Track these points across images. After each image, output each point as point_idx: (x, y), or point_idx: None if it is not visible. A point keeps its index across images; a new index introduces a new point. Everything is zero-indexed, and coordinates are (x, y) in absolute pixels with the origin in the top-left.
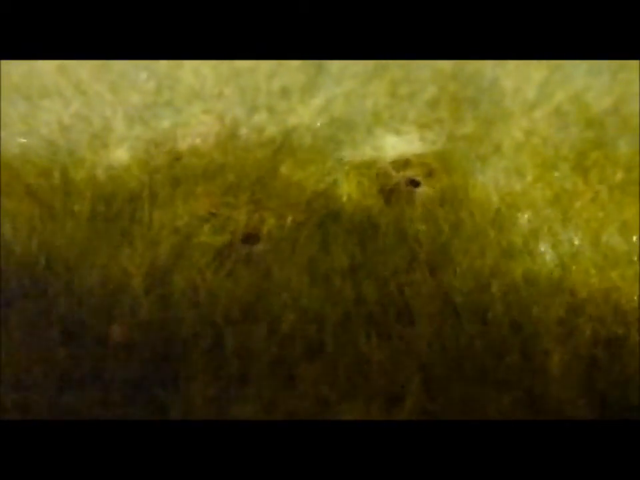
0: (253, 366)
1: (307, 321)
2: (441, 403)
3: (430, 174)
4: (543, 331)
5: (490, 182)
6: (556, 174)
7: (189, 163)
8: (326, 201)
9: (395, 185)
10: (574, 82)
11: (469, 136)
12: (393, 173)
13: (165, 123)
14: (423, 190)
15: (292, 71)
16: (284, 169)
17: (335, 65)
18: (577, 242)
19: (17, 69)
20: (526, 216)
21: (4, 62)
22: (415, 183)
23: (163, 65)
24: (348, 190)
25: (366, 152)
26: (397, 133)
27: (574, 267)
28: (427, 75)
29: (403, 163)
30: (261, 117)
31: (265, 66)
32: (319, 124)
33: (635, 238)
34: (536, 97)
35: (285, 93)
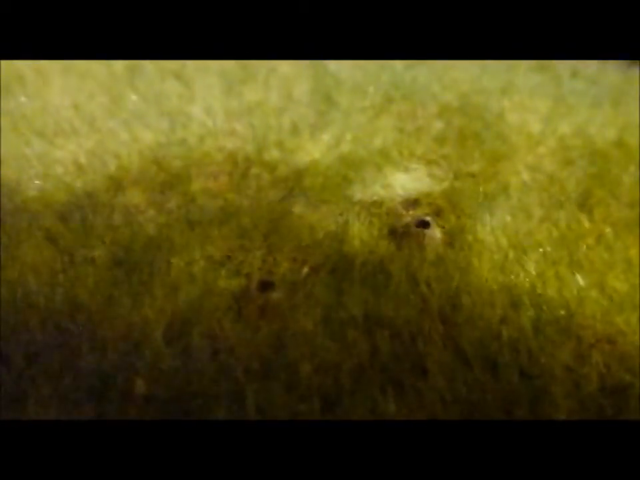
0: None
1: (323, 374)
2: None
3: (438, 213)
4: (550, 379)
5: (497, 222)
6: (562, 213)
7: (204, 204)
8: (339, 244)
9: (404, 227)
10: (577, 114)
11: (476, 174)
12: (403, 212)
13: (178, 163)
14: (432, 232)
15: (301, 106)
16: (297, 210)
17: (343, 99)
18: (582, 284)
19: (31, 106)
20: (533, 259)
21: (17, 99)
22: (424, 224)
23: (174, 100)
24: (359, 231)
25: (375, 191)
26: (406, 170)
27: (580, 312)
28: (433, 109)
29: (412, 202)
30: (271, 155)
31: (274, 100)
32: (328, 162)
33: (638, 279)
34: (540, 131)
35: (294, 129)
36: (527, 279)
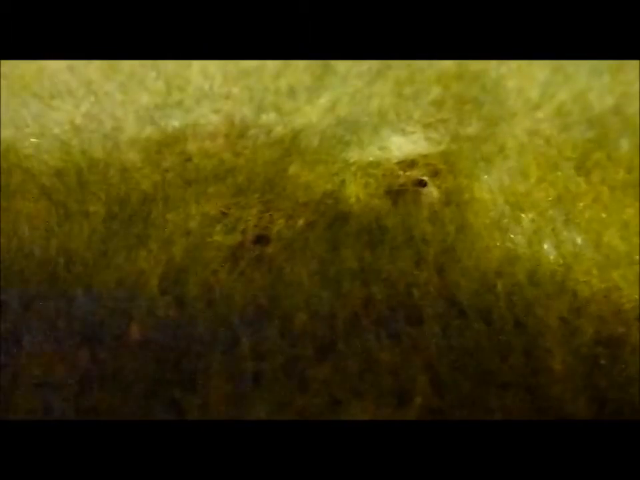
0: (267, 366)
1: (318, 322)
2: (448, 401)
3: (435, 174)
4: (545, 330)
5: (494, 183)
6: (559, 174)
7: (200, 163)
8: (335, 201)
9: (401, 186)
10: (576, 81)
11: (473, 136)
12: (400, 173)
13: (175, 124)
14: (429, 190)
15: (298, 70)
16: (293, 170)
17: (340, 65)
18: (579, 242)
19: (28, 69)
20: (530, 216)
21: (14, 61)
22: (421, 183)
23: (170, 65)
24: (356, 191)
25: (372, 152)
26: (403, 133)
27: (576, 267)
28: (432, 74)
29: (409, 163)
30: (269, 117)
31: (271, 65)
32: (325, 124)
33: (635, 239)
34: (539, 96)
35: (292, 92)
36: (523, 235)
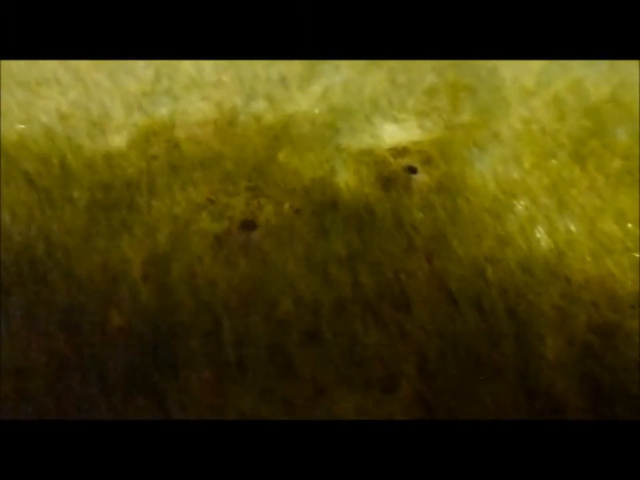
0: (250, 352)
1: (303, 308)
2: (436, 388)
3: (427, 161)
4: (537, 317)
5: (487, 170)
6: (553, 162)
7: (187, 150)
8: (323, 188)
9: (392, 173)
10: (572, 70)
11: (467, 124)
12: (391, 161)
13: (163, 111)
14: (420, 177)
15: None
16: (282, 157)
17: None
18: (572, 229)
19: None
20: (522, 203)
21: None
22: (412, 170)
23: None
24: (346, 178)
25: (364, 140)
26: (395, 120)
27: (569, 254)
28: (426, 63)
29: (400, 151)
30: (259, 105)
31: None
32: (317, 112)
33: (629, 225)
34: (534, 85)
35: (283, 81)
36: (516, 222)
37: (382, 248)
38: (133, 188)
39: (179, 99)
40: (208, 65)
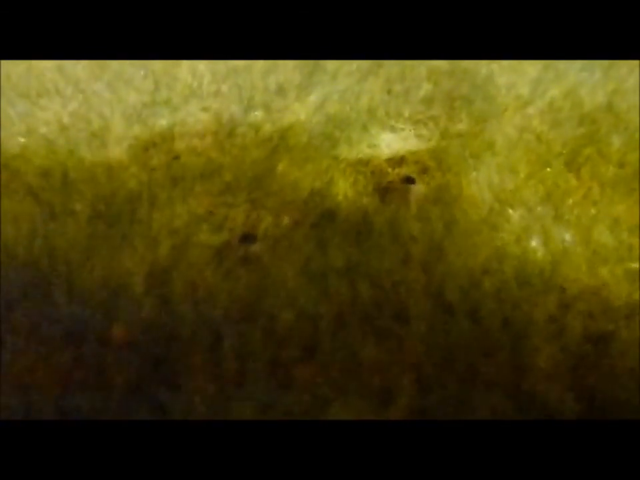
0: (251, 365)
1: (303, 321)
2: (433, 400)
3: (424, 171)
4: (533, 327)
5: (483, 179)
6: (548, 171)
7: (187, 162)
8: (322, 199)
9: (390, 183)
10: (567, 78)
11: (463, 133)
12: (389, 171)
13: (163, 122)
14: (417, 187)
15: (288, 68)
16: (281, 168)
17: (330, 63)
18: (568, 238)
19: (15, 68)
20: (518, 213)
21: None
22: (410, 180)
23: (159, 63)
24: (344, 188)
25: (361, 150)
26: (392, 130)
27: (565, 264)
28: (422, 72)
29: (397, 161)
30: (257, 115)
31: (261, 63)
32: (314, 122)
33: (624, 235)
34: (530, 93)
35: (281, 90)
36: (512, 232)
37: (380, 260)
38: (134, 200)
39: (178, 110)
40: (206, 75)
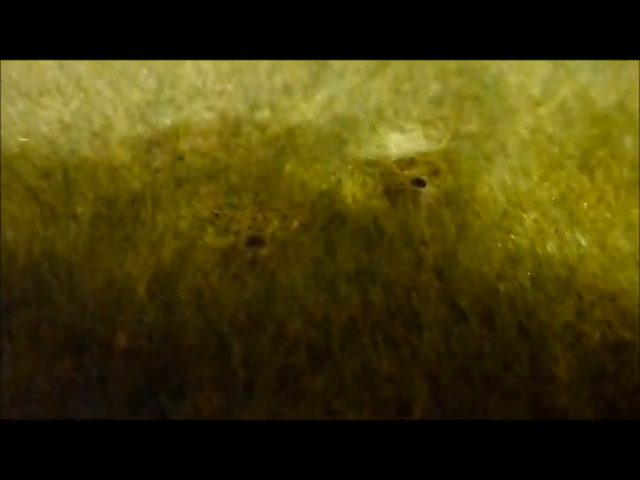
0: (259, 375)
1: (313, 328)
2: (449, 411)
3: (435, 173)
4: (550, 336)
5: (496, 182)
6: (562, 173)
7: (192, 162)
8: (331, 201)
9: (399, 185)
10: (578, 78)
11: (473, 134)
12: (398, 172)
13: (167, 122)
14: (428, 190)
15: (294, 67)
16: (288, 169)
17: (337, 61)
18: (583, 243)
19: (16, 66)
20: (532, 217)
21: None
22: (420, 183)
23: (163, 61)
24: (353, 190)
25: (370, 150)
26: (401, 130)
27: (580, 269)
28: (431, 71)
29: (407, 162)
30: (263, 115)
31: (266, 61)
32: (322, 121)
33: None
34: (540, 93)
35: (287, 89)
36: (526, 237)
37: (391, 265)
38: (137, 202)
39: (182, 109)
40: (211, 73)
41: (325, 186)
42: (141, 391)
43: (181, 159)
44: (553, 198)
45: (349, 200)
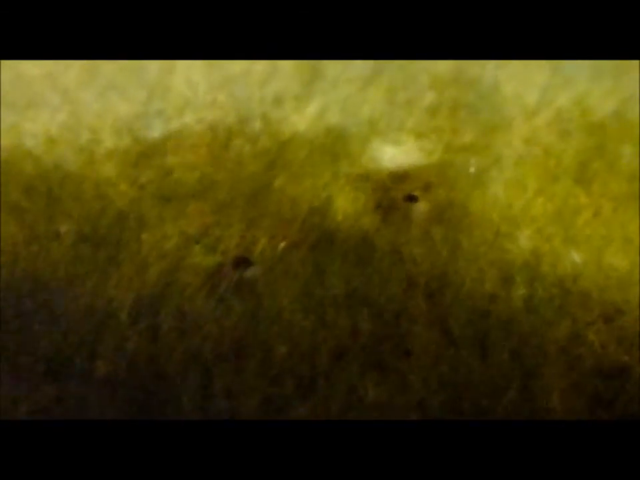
0: (243, 406)
1: (299, 356)
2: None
3: (427, 188)
4: (543, 362)
5: (489, 197)
6: (558, 187)
7: (180, 178)
8: (321, 219)
9: (391, 201)
10: (575, 85)
11: (467, 146)
12: (390, 186)
13: (155, 135)
14: (420, 206)
15: (286, 76)
16: (277, 184)
17: (330, 70)
18: (578, 262)
19: (4, 76)
20: (527, 234)
21: None
22: (412, 198)
23: (153, 71)
24: (343, 206)
25: (362, 164)
26: (395, 143)
27: (575, 290)
28: (426, 80)
29: (400, 176)
30: (254, 127)
31: (258, 71)
32: (313, 134)
33: (638, 256)
34: (537, 101)
35: (279, 100)
36: (519, 255)
37: (381, 286)
38: (122, 221)
39: (171, 121)
40: (202, 84)
41: (315, 202)
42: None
43: (168, 174)
44: (548, 214)
45: (340, 217)
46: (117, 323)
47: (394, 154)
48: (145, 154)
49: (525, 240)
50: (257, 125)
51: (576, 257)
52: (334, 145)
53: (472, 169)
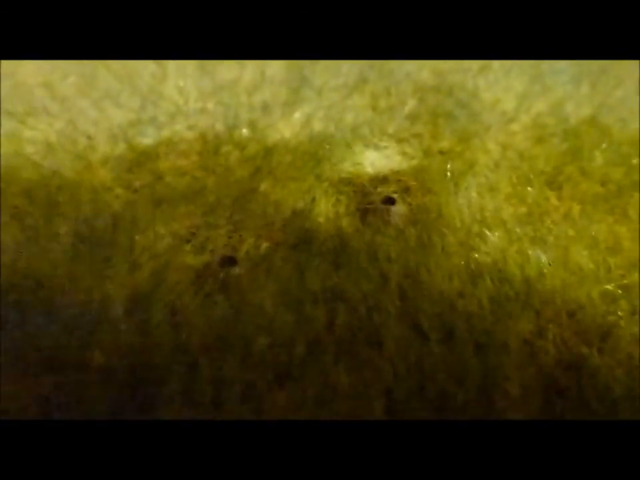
0: (226, 392)
1: (278, 347)
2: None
3: (406, 191)
4: (506, 353)
5: (463, 200)
6: (530, 190)
7: (171, 182)
8: (303, 221)
9: (370, 204)
10: (554, 92)
11: (445, 151)
12: (371, 190)
13: (148, 141)
14: (398, 208)
15: (274, 84)
16: (263, 188)
17: (317, 78)
18: (544, 260)
19: (4, 85)
20: (497, 235)
21: None
22: (391, 201)
23: (146, 79)
24: (325, 209)
25: (345, 168)
26: (376, 148)
27: (540, 287)
28: (408, 87)
29: (380, 180)
30: (242, 134)
31: (247, 79)
32: (299, 140)
33: (603, 255)
34: (515, 108)
35: (266, 107)
36: (488, 254)
37: (357, 283)
38: (117, 223)
39: (163, 128)
40: (192, 92)
41: (299, 205)
42: (115, 407)
43: (160, 178)
44: (519, 216)
45: (321, 219)
46: (111, 318)
47: (375, 159)
48: (138, 160)
49: (494, 240)
50: (245, 131)
51: (542, 256)
52: (318, 151)
53: (448, 174)
